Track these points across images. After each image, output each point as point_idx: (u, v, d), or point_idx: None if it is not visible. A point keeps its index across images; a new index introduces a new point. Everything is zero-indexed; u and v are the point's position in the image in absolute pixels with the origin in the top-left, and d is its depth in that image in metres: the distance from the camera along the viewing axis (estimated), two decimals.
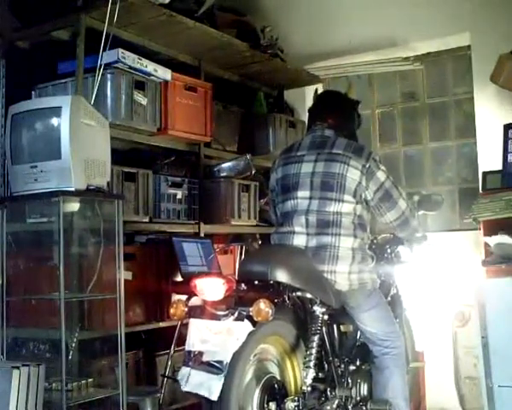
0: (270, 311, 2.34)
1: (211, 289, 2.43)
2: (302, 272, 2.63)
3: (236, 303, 2.46)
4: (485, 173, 3.94)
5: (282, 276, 2.54)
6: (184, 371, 2.39)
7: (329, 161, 2.82)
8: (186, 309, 2.54)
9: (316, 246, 2.76)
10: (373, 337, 2.85)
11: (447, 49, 4.47)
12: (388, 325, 2.88)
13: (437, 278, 4.08)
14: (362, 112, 4.80)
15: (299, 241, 2.80)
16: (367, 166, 2.79)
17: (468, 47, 4.27)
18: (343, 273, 2.74)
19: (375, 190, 2.82)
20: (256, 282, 2.59)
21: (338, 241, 2.75)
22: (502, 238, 3.53)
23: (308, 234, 2.79)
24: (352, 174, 2.78)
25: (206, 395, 2.30)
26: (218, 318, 2.42)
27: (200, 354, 2.38)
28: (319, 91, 3.39)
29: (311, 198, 2.82)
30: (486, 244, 3.63)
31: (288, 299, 2.58)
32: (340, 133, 2.92)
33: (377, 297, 2.88)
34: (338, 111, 3.03)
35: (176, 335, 3.20)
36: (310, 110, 3.13)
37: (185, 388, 2.38)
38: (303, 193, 2.84)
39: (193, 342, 2.41)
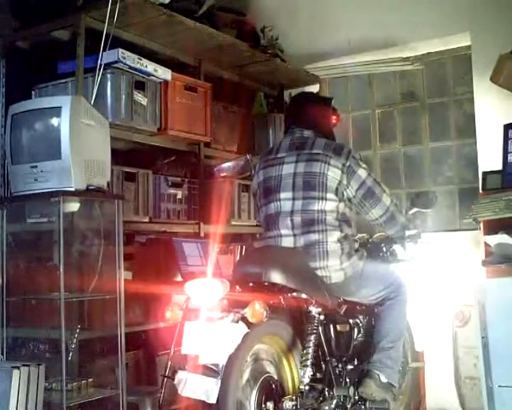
0: (265, 312, 2.35)
1: (205, 292, 2.43)
2: (297, 273, 2.64)
3: (231, 305, 2.46)
4: (485, 173, 3.92)
5: (276, 277, 2.55)
6: (181, 375, 2.39)
7: (310, 160, 2.85)
8: (181, 312, 2.53)
9: (304, 245, 2.79)
10: (379, 301, 2.93)
11: (447, 49, 4.47)
12: (385, 279, 2.95)
13: (437, 277, 4.08)
14: (362, 112, 4.89)
15: (287, 243, 2.82)
16: (347, 164, 2.83)
17: (468, 47, 4.25)
18: (335, 266, 2.77)
19: (356, 188, 2.85)
20: (251, 284, 2.59)
21: (325, 236, 2.78)
22: (502, 238, 3.52)
23: (295, 235, 2.82)
24: (333, 173, 2.81)
25: (204, 399, 2.31)
26: (212, 320, 2.41)
27: (196, 357, 2.38)
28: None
29: (294, 199, 2.84)
30: (486, 244, 3.62)
31: (284, 300, 2.58)
32: (318, 133, 2.96)
33: (366, 264, 2.91)
34: (314, 110, 3.06)
35: (176, 335, 3.19)
36: (286, 112, 3.17)
37: (183, 393, 2.38)
38: (286, 194, 2.86)
39: (188, 346, 2.41)
